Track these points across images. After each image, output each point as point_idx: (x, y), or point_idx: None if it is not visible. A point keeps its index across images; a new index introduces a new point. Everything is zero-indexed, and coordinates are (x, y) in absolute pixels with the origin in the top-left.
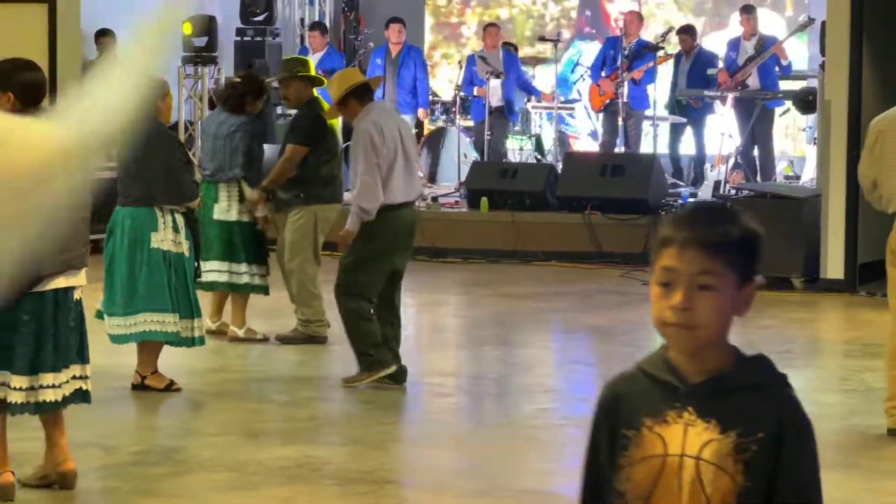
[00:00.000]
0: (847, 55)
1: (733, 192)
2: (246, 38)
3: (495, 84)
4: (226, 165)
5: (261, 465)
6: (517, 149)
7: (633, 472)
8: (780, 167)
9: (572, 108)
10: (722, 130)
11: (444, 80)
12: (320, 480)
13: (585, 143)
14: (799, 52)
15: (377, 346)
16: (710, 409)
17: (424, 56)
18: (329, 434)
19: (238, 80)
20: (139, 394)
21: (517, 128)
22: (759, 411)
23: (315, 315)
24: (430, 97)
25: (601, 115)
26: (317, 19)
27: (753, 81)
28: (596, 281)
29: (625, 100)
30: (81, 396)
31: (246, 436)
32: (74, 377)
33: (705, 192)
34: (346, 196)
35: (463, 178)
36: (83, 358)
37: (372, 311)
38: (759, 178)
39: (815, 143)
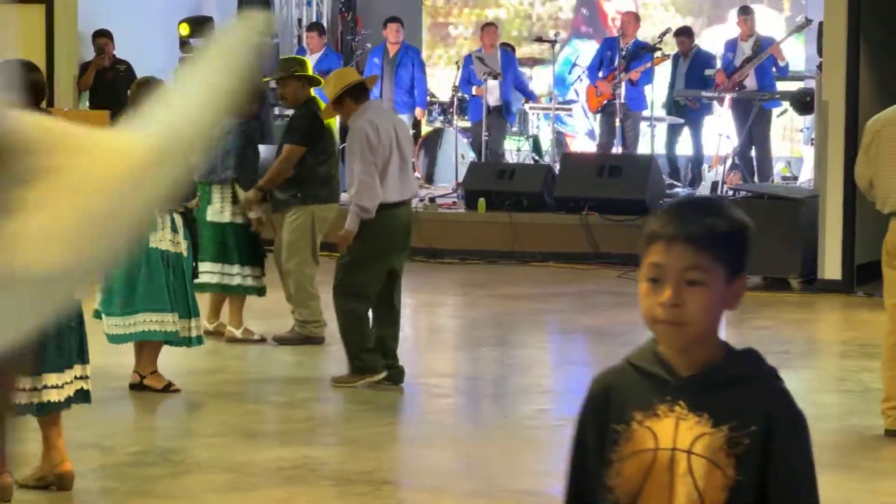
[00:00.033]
0: (844, 56)
1: (731, 192)
2: None
3: (493, 84)
4: (218, 167)
5: (258, 466)
6: (514, 149)
7: (623, 468)
8: (778, 168)
9: (570, 110)
10: (719, 131)
11: (437, 81)
12: (318, 481)
13: (583, 141)
14: (796, 53)
15: (369, 352)
16: (701, 403)
17: (422, 56)
18: (326, 435)
19: None
20: (137, 394)
21: (514, 128)
22: (750, 404)
23: (312, 316)
24: (428, 98)
25: (598, 116)
26: (314, 20)
27: (751, 82)
28: (593, 282)
29: (622, 101)
30: (83, 397)
31: (243, 437)
32: (76, 377)
33: (703, 193)
34: (344, 196)
35: (460, 179)
36: (83, 358)
37: (370, 312)
38: (756, 179)
39: (812, 144)
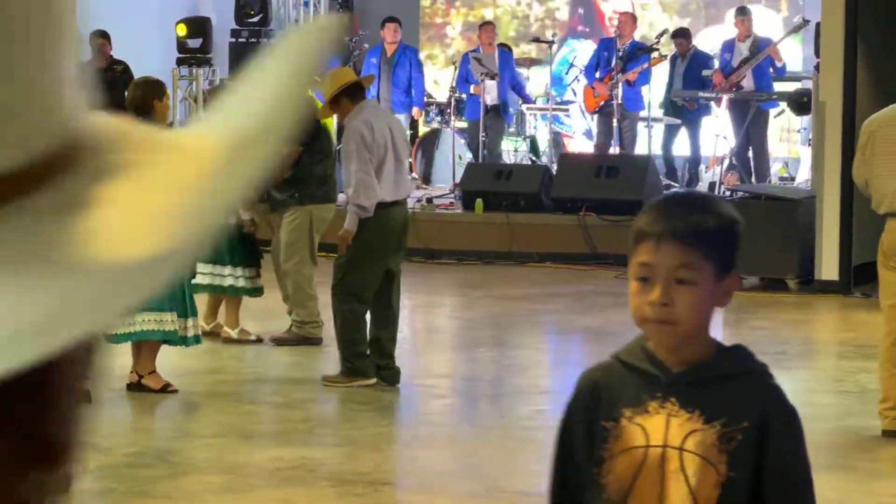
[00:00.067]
0: (841, 57)
1: (728, 193)
2: (241, 40)
3: (490, 84)
4: None
5: (256, 467)
6: (512, 150)
7: (613, 465)
8: (775, 168)
9: (567, 110)
10: (717, 132)
11: (432, 81)
12: (315, 482)
13: (580, 141)
14: (793, 54)
15: (360, 357)
16: (692, 399)
17: (420, 56)
18: (324, 436)
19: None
20: (134, 395)
21: (512, 129)
22: (742, 401)
23: (310, 316)
24: (425, 98)
25: (596, 117)
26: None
27: (748, 83)
28: (591, 282)
29: (619, 101)
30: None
31: (241, 437)
32: None
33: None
34: (342, 197)
35: (458, 180)
36: None
37: (367, 313)
38: (753, 180)
39: (809, 145)
